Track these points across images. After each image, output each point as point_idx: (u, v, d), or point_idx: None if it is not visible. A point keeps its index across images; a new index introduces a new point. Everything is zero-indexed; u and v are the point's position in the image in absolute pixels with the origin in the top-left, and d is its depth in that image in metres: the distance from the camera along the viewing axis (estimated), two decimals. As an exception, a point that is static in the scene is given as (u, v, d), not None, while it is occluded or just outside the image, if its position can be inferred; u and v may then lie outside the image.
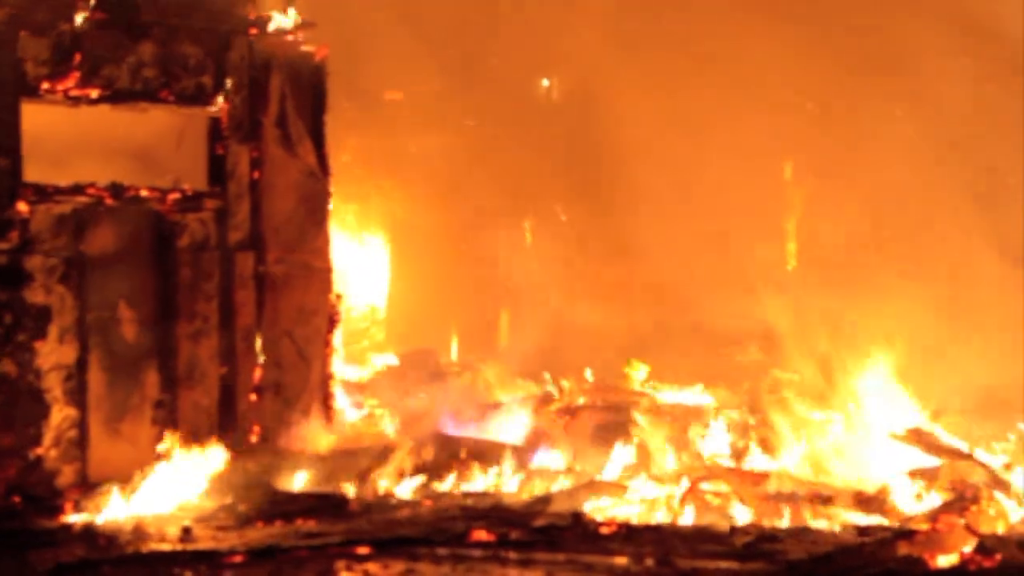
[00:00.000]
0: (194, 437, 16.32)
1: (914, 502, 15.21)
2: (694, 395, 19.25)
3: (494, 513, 14.85)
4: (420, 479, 16.37)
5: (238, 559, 12.96)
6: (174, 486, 15.59)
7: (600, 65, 22.16)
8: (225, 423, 16.91)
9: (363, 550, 13.24)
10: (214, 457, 16.01)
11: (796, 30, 21.48)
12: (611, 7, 23.04)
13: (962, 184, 20.71)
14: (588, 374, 20.15)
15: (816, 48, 21.47)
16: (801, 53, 21.39)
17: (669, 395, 19.24)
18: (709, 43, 22.51)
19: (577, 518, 14.46)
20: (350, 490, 16.01)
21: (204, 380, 16.90)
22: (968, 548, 13.34)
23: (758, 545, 13.47)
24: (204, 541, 13.74)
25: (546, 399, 19.16)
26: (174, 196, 16.81)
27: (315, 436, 17.33)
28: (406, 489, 16.24)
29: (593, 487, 15.78)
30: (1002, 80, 20.56)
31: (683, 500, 15.28)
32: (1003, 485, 15.26)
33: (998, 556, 13.16)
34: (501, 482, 16.36)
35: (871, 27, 21.89)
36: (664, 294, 22.32)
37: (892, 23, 21.47)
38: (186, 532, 13.98)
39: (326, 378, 17.91)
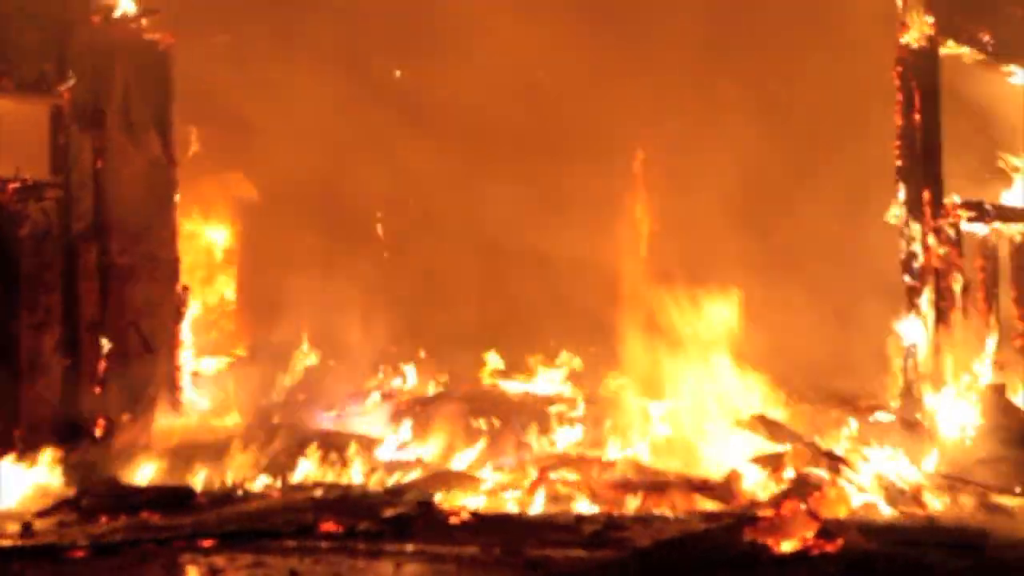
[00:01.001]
0: (36, 431, 16.03)
1: (758, 488, 15.41)
2: (546, 385, 19.34)
3: (343, 504, 14.76)
4: (269, 471, 16.23)
5: (81, 554, 12.75)
6: (15, 481, 15.30)
7: (450, 54, 22.11)
8: (69, 416, 16.61)
9: (209, 543, 13.10)
10: (57, 451, 15.74)
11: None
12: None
13: (817, 174, 20.99)
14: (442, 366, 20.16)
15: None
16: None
17: (521, 385, 19.31)
18: (562, 34, 22.56)
19: (426, 508, 14.44)
20: (197, 483, 15.82)
21: (47, 373, 16.61)
22: (811, 533, 13.57)
23: (605, 533, 13.58)
24: (46, 536, 13.49)
25: (400, 390, 19.13)
26: (14, 185, 16.50)
27: (162, 429, 17.09)
28: (255, 481, 16.09)
29: (443, 477, 15.78)
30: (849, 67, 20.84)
31: (532, 490, 15.34)
32: (845, 471, 15.51)
33: (839, 540, 13.41)
34: (351, 473, 16.28)
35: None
36: (523, 284, 22.33)
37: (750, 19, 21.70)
38: (27, 527, 13.71)
39: (174, 370, 17.68)
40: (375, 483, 15.91)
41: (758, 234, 21.21)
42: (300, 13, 22.21)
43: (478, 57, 21.22)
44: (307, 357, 21.59)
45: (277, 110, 20.83)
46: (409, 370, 19.79)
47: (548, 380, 19.46)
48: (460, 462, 16.61)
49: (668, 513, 14.88)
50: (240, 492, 15.72)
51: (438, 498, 14.96)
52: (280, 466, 16.31)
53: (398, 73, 24.29)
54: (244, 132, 21.51)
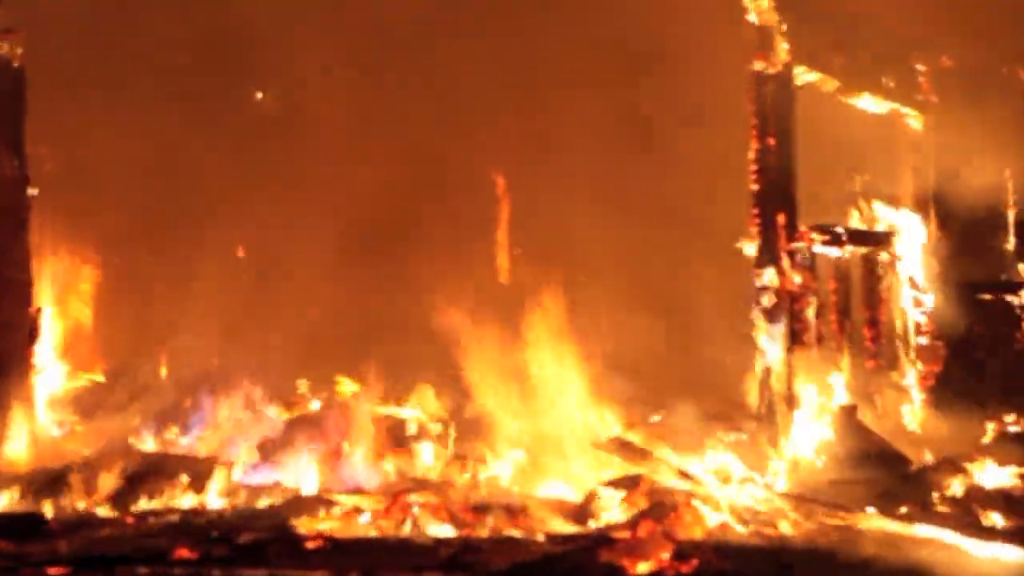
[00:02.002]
0: None
1: (615, 510, 15.47)
2: (405, 408, 19.27)
3: (198, 530, 14.62)
4: (123, 496, 16.01)
5: (-74, 583, 12.51)
6: None
7: (308, 79, 22.03)
8: (-84, 441, 16.28)
9: (60, 571, 12.89)
10: (-97, 477, 15.41)
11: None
12: (324, 22, 22.90)
13: (676, 181, 21.17)
14: (302, 387, 20.00)
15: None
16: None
17: (381, 408, 19.21)
18: (423, 58, 22.57)
19: (282, 533, 14.34)
20: (49, 509, 15.55)
21: None
22: (666, 554, 13.68)
23: (461, 556, 13.56)
24: None
25: (259, 413, 18.95)
26: None
27: (14, 454, 16.79)
28: (108, 507, 15.85)
29: (299, 501, 15.68)
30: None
31: (388, 513, 15.27)
32: (700, 492, 15.63)
33: (695, 561, 13.54)
34: (207, 498, 16.11)
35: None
36: (384, 307, 22.24)
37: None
38: None
39: (26, 393, 17.36)
40: (230, 508, 15.76)
41: (619, 255, 21.37)
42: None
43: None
44: (164, 381, 21.33)
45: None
46: (267, 393, 19.61)
47: (407, 403, 19.38)
48: (316, 485, 16.50)
49: (526, 535, 14.88)
50: (93, 518, 15.48)
51: (294, 522, 14.86)
52: (134, 491, 16.09)
53: (259, 95, 24.16)
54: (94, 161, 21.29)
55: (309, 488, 16.44)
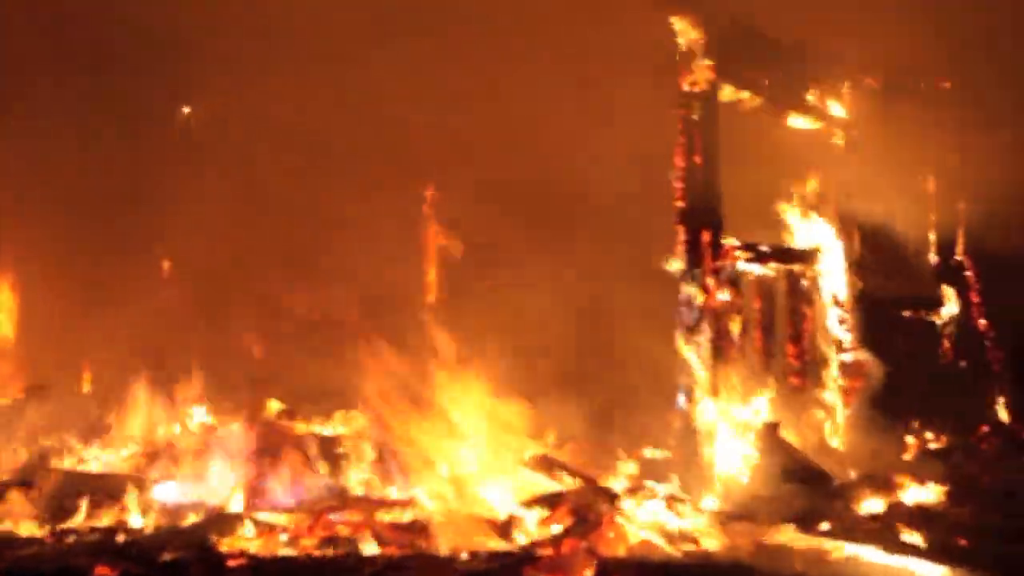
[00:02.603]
0: None
1: (540, 528, 15.47)
2: (329, 427, 19.17)
3: (119, 548, 14.50)
4: (43, 516, 15.84)
5: None
6: None
7: (236, 92, 21.92)
8: None
9: (-23, 590, 12.76)
10: None
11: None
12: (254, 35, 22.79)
13: (604, 198, 21.20)
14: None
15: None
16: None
17: (305, 426, 19.10)
18: (350, 69, 22.49)
19: (203, 551, 14.24)
20: (-34, 529, 15.38)
21: None
22: (590, 571, 13.71)
23: (385, 574, 13.53)
24: None
25: (183, 430, 18.79)
26: None
27: (-70, 473, 16.60)
28: (28, 526, 15.67)
29: (222, 520, 15.56)
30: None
31: (311, 531, 15.20)
32: (624, 509, 15.65)
33: (618, 578, 13.60)
34: (128, 516, 15.96)
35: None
36: (303, 323, 22.14)
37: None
38: None
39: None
40: (152, 526, 15.63)
41: (546, 271, 21.39)
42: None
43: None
44: (86, 397, 21.13)
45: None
46: (192, 411, 19.45)
47: (332, 422, 19.28)
48: (239, 504, 16.38)
49: (450, 553, 14.85)
50: (13, 539, 15.31)
51: (215, 541, 14.75)
52: (54, 510, 15.93)
53: (187, 110, 24.02)
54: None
55: (232, 506, 16.31)
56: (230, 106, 22.15)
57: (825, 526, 15.64)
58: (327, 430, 18.70)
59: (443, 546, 15.04)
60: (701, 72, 17.36)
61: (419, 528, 15.36)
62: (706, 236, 17.30)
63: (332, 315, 20.77)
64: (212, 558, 14.12)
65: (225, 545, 14.74)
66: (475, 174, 21.83)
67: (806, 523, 15.61)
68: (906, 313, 20.39)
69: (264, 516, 15.65)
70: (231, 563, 13.99)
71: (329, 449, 17.78)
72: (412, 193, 23.23)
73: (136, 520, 15.90)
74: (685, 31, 17.31)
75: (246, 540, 15.02)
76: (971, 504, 16.89)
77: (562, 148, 21.04)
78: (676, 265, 17.18)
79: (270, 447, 17.39)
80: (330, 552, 14.79)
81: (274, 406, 19.12)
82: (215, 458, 17.18)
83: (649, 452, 17.17)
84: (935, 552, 14.91)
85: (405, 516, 15.84)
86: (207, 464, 17.14)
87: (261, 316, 21.18)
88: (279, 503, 16.24)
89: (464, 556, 14.67)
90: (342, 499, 16.36)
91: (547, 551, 14.48)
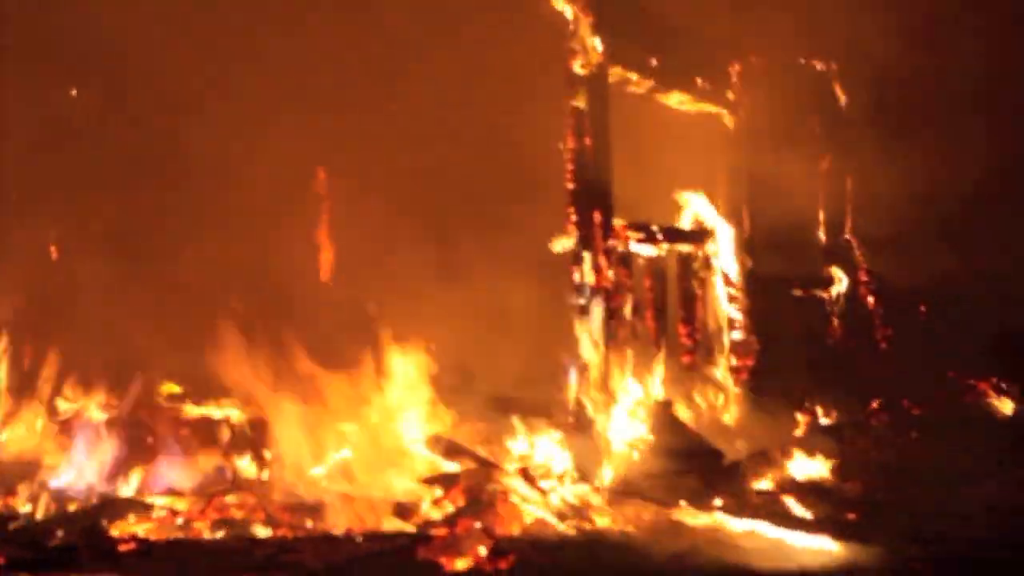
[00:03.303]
0: None
1: (433, 508, 15.48)
2: (222, 409, 19.04)
3: (6, 534, 14.32)
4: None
5: None
6: None
7: (129, 66, 21.67)
8: None
9: None
10: None
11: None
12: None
13: (494, 180, 21.21)
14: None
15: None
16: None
17: (197, 408, 18.95)
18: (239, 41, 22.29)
19: (94, 536, 14.09)
20: None
21: None
22: (484, 551, 13.74)
23: (278, 557, 13.48)
24: None
25: (70, 412, 18.57)
26: None
27: None
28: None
29: (112, 504, 15.41)
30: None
31: (204, 514, 15.10)
32: (518, 488, 15.70)
33: (512, 557, 13.63)
34: (17, 502, 15.76)
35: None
36: (206, 306, 21.94)
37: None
38: None
39: None
40: (40, 511, 15.45)
41: (436, 249, 21.38)
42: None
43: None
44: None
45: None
46: (80, 394, 19.23)
47: (225, 404, 19.15)
48: (130, 487, 16.24)
49: (344, 534, 14.82)
50: None
51: (106, 525, 14.61)
52: (-61, 498, 15.72)
53: (74, 92, 23.68)
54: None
55: (123, 491, 16.17)
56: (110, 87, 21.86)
57: (717, 502, 15.79)
58: (219, 413, 18.58)
59: (337, 527, 15.02)
60: (590, 54, 17.41)
61: (313, 510, 15.31)
62: (597, 217, 17.37)
63: (221, 297, 20.62)
64: (103, 543, 13.98)
65: (116, 530, 14.60)
66: (364, 160, 21.78)
67: (699, 500, 15.76)
68: (796, 292, 20.62)
69: (157, 500, 15.54)
70: (122, 548, 13.85)
71: (221, 432, 17.68)
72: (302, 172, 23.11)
73: (24, 506, 15.70)
74: (575, 12, 17.35)
75: (137, 524, 14.90)
76: (860, 479, 17.15)
77: (449, 133, 21.06)
78: (565, 245, 17.24)
79: (162, 431, 17.25)
80: (222, 535, 14.73)
81: (167, 388, 18.96)
82: (105, 443, 17.03)
83: (543, 432, 17.21)
84: (825, 526, 15.12)
85: (299, 498, 15.77)
86: (97, 449, 16.97)
87: (150, 298, 20.98)
88: (171, 487, 16.11)
89: (358, 537, 14.64)
90: (235, 482, 16.27)
91: (441, 531, 14.48)
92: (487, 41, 19.69)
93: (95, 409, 18.43)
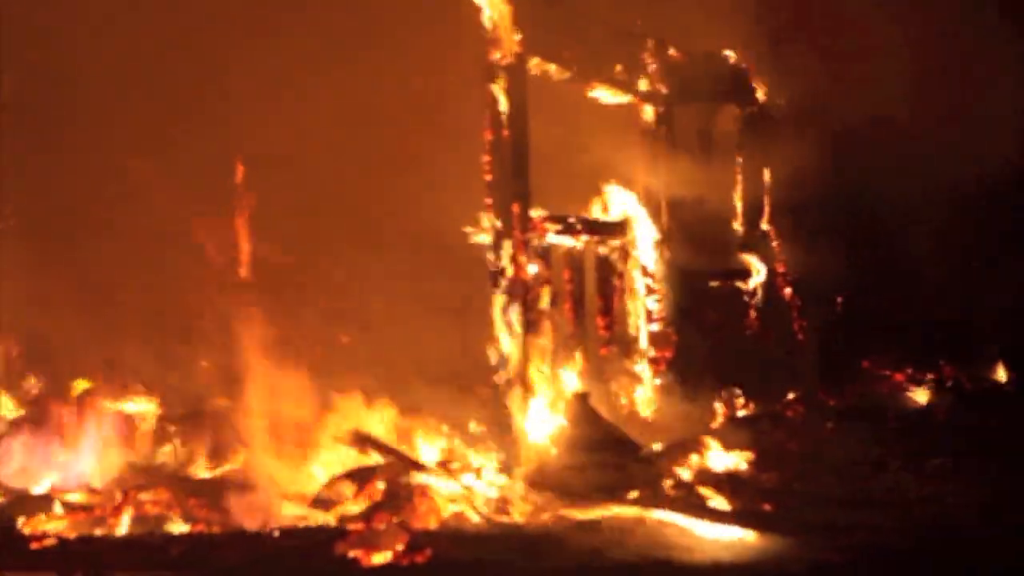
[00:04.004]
0: None
1: (351, 502, 15.44)
2: (138, 404, 18.90)
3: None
4: None
5: None
6: None
7: (46, 60, 21.47)
8: None
9: None
10: None
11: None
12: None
13: (416, 172, 21.17)
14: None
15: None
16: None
17: (112, 404, 18.80)
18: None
19: (6, 533, 13.97)
20: None
21: None
22: (401, 545, 13.74)
23: (193, 552, 13.41)
24: None
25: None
26: None
27: None
28: None
29: (26, 501, 15.28)
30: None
31: (119, 511, 14.98)
32: (436, 482, 15.69)
33: (429, 551, 13.63)
34: (-73, 501, 15.60)
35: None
36: (126, 304, 21.81)
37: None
38: None
39: None
40: (-48, 510, 15.28)
41: (361, 244, 21.33)
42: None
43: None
44: None
45: None
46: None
47: (140, 398, 19.01)
48: (44, 484, 16.09)
49: (260, 529, 14.76)
50: None
51: (19, 522, 14.49)
52: None
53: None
54: None
55: (36, 487, 16.02)
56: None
57: (634, 494, 15.83)
58: (135, 407, 18.46)
59: (253, 522, 14.95)
60: (508, 45, 17.36)
61: (229, 504, 15.22)
62: (515, 209, 17.33)
63: (135, 293, 20.51)
64: (15, 540, 13.86)
65: (29, 527, 14.47)
66: (284, 154, 21.70)
67: (616, 491, 15.80)
68: (714, 284, 20.71)
69: (71, 496, 15.41)
70: (35, 545, 13.75)
71: (138, 427, 17.57)
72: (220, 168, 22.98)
73: (-65, 504, 15.54)
74: (492, 4, 17.30)
75: (51, 521, 14.77)
76: (776, 470, 17.25)
77: (369, 124, 21.00)
78: (482, 238, 17.20)
79: (76, 426, 17.11)
80: (138, 531, 14.63)
81: (80, 384, 18.81)
82: (21, 438, 16.89)
83: (461, 425, 17.19)
84: (740, 517, 15.20)
85: (216, 493, 15.67)
86: (12, 444, 16.83)
87: (63, 294, 20.82)
88: (87, 483, 15.99)
89: (275, 533, 14.58)
90: (151, 477, 16.15)
91: (359, 526, 14.45)
92: (407, 33, 19.67)
93: (7, 405, 18.29)
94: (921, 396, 19.95)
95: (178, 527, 14.83)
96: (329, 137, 21.12)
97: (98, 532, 14.71)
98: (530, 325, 17.19)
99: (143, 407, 18.49)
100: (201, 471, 16.85)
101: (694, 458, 17.09)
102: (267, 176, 22.94)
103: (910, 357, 20.42)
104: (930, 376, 20.15)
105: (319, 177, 21.63)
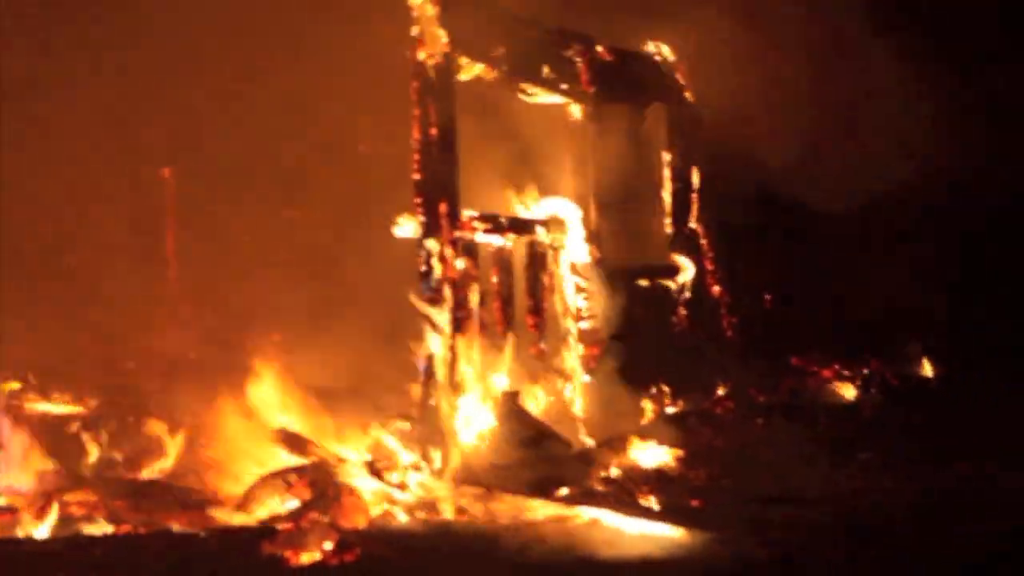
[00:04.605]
0: None
1: (278, 502, 15.38)
2: (64, 405, 18.74)
3: None
4: None
5: None
6: None
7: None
8: None
9: None
10: None
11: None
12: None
13: (346, 173, 21.14)
14: None
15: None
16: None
17: (36, 405, 18.64)
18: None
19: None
20: None
21: None
22: (330, 544, 13.69)
23: (117, 554, 13.33)
24: None
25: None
26: None
27: None
28: None
29: (-54, 505, 15.11)
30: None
31: (42, 513, 14.83)
32: (365, 481, 15.66)
33: (358, 550, 13.60)
34: None
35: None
36: (47, 305, 21.64)
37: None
38: None
39: None
40: None
41: (290, 241, 21.29)
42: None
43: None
44: None
45: None
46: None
47: (66, 400, 18.85)
48: (-35, 487, 15.92)
49: (187, 530, 14.66)
50: None
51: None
52: None
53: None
54: None
55: (-40, 489, 15.84)
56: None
57: (564, 491, 15.85)
58: (62, 409, 18.30)
59: (180, 523, 14.86)
60: (435, 44, 17.32)
61: (155, 506, 15.12)
62: (443, 207, 17.30)
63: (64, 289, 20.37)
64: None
65: (-51, 531, 14.32)
66: (209, 158, 21.61)
67: (545, 489, 15.81)
68: (643, 282, 20.76)
69: (-6, 500, 15.28)
70: (-44, 549, 13.59)
71: (64, 429, 17.42)
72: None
73: None
74: (419, 4, 17.26)
75: (-22, 524, 14.64)
76: (706, 467, 17.31)
77: (298, 126, 20.94)
78: (406, 232, 17.15)
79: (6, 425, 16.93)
80: (61, 533, 14.49)
81: (6, 385, 18.64)
82: (-60, 441, 16.69)
83: (390, 424, 17.13)
84: (669, 514, 15.24)
85: (142, 494, 15.57)
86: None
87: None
88: (9, 486, 15.81)
89: (201, 533, 14.49)
90: (75, 479, 16.01)
91: (286, 525, 14.39)
92: (333, 32, 19.61)
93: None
94: (849, 392, 20.10)
95: (102, 529, 14.71)
96: (262, 144, 21.08)
97: (19, 535, 14.55)
98: (458, 324, 17.17)
99: (68, 408, 18.35)
100: (127, 472, 16.72)
101: (623, 455, 17.14)
102: (197, 188, 22.89)
103: (837, 354, 20.59)
104: (857, 372, 20.33)
105: (248, 186, 21.60)
